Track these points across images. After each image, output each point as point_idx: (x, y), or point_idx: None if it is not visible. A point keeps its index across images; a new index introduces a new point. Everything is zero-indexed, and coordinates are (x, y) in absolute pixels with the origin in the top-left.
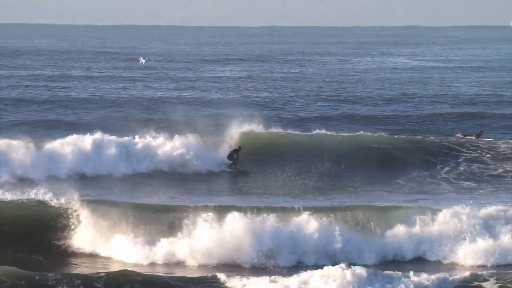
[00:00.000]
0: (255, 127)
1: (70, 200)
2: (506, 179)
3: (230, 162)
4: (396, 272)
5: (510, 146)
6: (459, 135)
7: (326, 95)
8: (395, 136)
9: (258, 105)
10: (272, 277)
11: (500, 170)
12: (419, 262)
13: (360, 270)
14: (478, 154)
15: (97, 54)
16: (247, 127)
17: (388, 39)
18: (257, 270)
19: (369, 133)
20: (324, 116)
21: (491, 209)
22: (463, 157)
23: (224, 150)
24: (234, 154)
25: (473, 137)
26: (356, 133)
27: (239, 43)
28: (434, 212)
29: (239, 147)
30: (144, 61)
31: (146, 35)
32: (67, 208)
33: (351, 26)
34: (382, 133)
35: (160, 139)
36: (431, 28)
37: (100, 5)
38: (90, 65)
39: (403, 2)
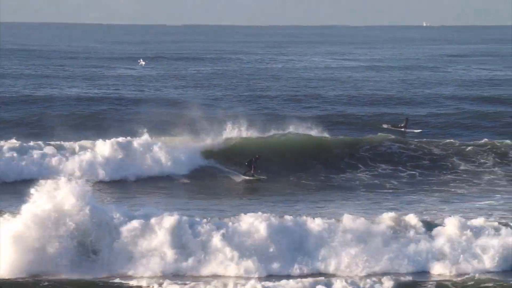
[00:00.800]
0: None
1: None
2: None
3: (247, 169)
4: None
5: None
6: (386, 126)
7: (240, 91)
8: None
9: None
10: None
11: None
12: None
13: None
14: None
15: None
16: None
17: (306, 39)
18: None
19: (281, 132)
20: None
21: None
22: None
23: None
24: (252, 162)
25: (401, 127)
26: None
27: (156, 41)
28: None
29: (259, 156)
30: (144, 63)
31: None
32: None
33: (267, 26)
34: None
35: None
36: (348, 27)
37: (28, 2)
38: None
39: (321, 2)
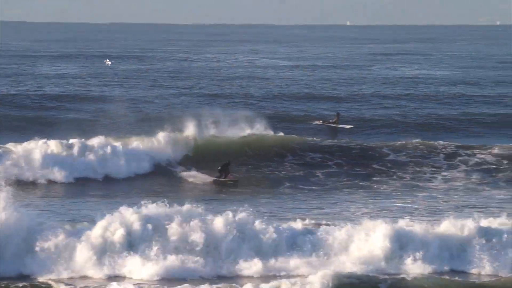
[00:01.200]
0: None
1: None
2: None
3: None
4: None
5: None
6: (319, 122)
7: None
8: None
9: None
10: None
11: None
12: None
13: None
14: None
15: None
16: None
17: (231, 37)
18: None
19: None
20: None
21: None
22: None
23: None
24: (225, 167)
25: (333, 123)
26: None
27: (82, 39)
28: None
29: (229, 161)
30: (110, 62)
31: None
32: None
33: (191, 24)
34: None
35: None
36: (273, 26)
37: None
38: None
39: (245, 0)
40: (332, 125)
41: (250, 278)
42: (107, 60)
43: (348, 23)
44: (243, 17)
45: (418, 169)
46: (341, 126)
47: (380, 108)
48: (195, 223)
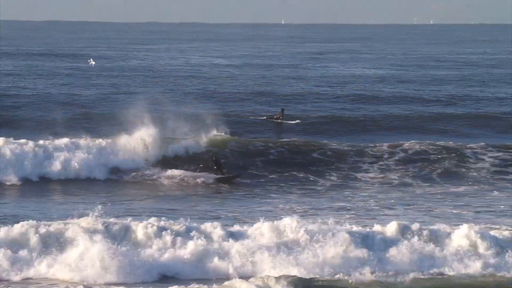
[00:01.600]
0: None
1: None
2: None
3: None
4: None
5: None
6: (263, 118)
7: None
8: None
9: None
10: None
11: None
12: None
13: None
14: None
15: None
16: None
17: (165, 36)
18: None
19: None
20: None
21: None
22: None
23: None
24: (213, 165)
25: (277, 118)
26: None
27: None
28: None
29: (214, 156)
30: (94, 62)
31: None
32: None
33: (124, 22)
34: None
35: None
36: (207, 25)
37: None
38: None
39: None
40: (277, 120)
41: None
42: (91, 60)
43: (283, 22)
44: (177, 16)
45: (350, 167)
46: (286, 122)
47: (318, 106)
48: None
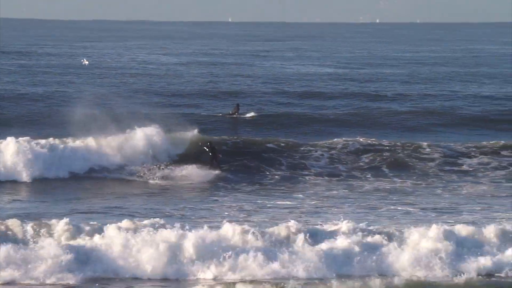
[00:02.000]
0: None
1: None
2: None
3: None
4: None
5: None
6: (219, 114)
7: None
8: None
9: None
10: None
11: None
12: None
13: None
14: None
15: None
16: None
17: (113, 33)
18: None
19: None
20: None
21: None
22: None
23: None
24: (210, 151)
25: (232, 114)
26: None
27: None
28: None
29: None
30: (87, 62)
31: None
32: None
33: (70, 20)
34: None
35: None
36: (153, 22)
37: None
38: None
39: None
40: (232, 115)
41: None
42: (84, 59)
43: (230, 20)
44: (123, 14)
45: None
46: (242, 116)
47: (266, 101)
48: None
